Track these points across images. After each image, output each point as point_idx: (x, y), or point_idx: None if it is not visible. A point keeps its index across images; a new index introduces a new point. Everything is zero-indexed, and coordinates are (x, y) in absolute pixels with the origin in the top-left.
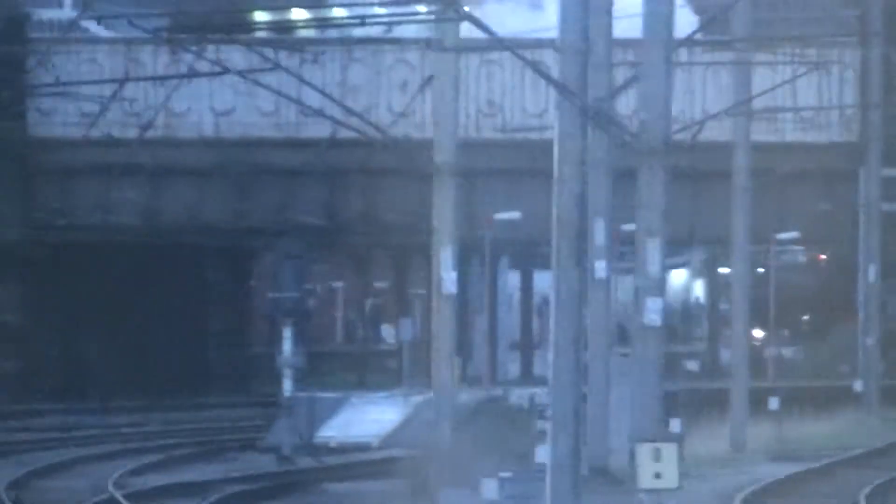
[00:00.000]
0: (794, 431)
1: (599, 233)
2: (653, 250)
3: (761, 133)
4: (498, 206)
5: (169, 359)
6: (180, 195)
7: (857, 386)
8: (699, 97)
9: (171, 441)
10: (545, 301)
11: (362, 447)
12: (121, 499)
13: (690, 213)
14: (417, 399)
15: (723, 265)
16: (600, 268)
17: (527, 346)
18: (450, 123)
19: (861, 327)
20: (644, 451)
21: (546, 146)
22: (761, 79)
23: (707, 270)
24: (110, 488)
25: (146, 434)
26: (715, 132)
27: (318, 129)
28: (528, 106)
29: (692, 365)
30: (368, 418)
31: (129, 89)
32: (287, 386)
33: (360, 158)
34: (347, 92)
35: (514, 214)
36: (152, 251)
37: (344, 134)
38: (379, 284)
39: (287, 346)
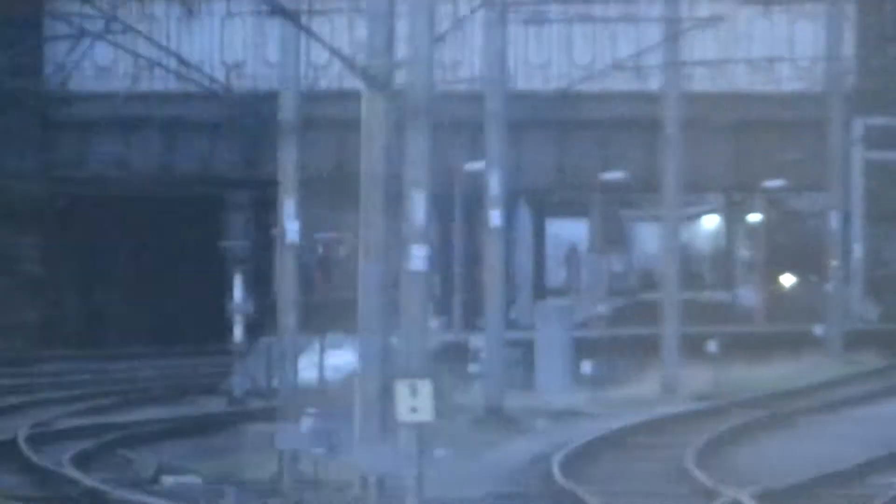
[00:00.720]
0: (748, 374)
1: (494, 184)
2: (418, 202)
3: (758, 83)
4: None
5: (186, 308)
6: (194, 148)
7: (818, 330)
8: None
9: (147, 385)
10: (573, 249)
11: (321, 389)
12: (20, 440)
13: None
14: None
15: (751, 211)
16: (495, 216)
17: (539, 292)
18: (292, 80)
19: (836, 273)
20: (402, 386)
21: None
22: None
23: (734, 217)
24: (19, 430)
25: (130, 379)
26: (706, 83)
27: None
28: None
29: (602, 309)
30: (328, 362)
31: (142, 44)
32: (238, 332)
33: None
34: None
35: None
36: (168, 202)
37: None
38: None
39: (238, 293)
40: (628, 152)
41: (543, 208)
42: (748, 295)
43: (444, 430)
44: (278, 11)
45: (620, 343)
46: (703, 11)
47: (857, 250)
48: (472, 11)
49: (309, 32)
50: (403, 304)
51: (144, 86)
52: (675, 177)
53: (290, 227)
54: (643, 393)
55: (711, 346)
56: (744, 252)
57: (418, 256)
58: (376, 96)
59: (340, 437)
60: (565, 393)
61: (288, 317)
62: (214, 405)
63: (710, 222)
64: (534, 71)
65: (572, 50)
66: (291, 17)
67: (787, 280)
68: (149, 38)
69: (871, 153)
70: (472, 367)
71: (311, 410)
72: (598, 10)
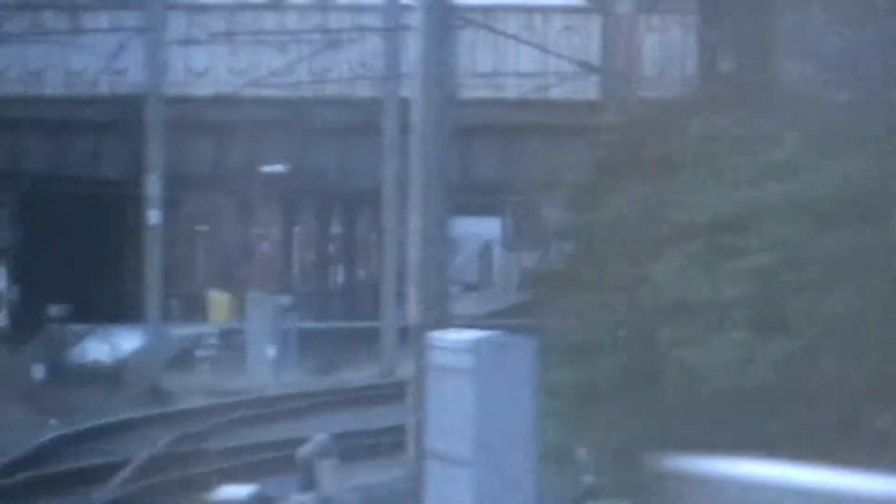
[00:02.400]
0: None
1: (154, 187)
2: None
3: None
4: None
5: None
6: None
7: None
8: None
9: None
10: (486, 246)
11: (100, 368)
12: None
13: (499, 167)
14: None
15: None
16: (153, 216)
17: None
18: None
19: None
20: None
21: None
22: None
23: None
24: None
25: None
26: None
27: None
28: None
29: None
30: (106, 347)
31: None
32: (2, 318)
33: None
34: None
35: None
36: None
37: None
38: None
39: (2, 282)
40: (489, 156)
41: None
42: None
43: (102, 404)
44: None
45: (346, 334)
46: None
47: None
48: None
49: None
50: None
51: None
52: (394, 181)
53: None
54: (360, 377)
55: None
56: None
57: None
58: None
59: None
60: (270, 376)
61: None
62: None
63: None
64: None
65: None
66: None
67: None
68: None
69: None
70: (198, 352)
71: None
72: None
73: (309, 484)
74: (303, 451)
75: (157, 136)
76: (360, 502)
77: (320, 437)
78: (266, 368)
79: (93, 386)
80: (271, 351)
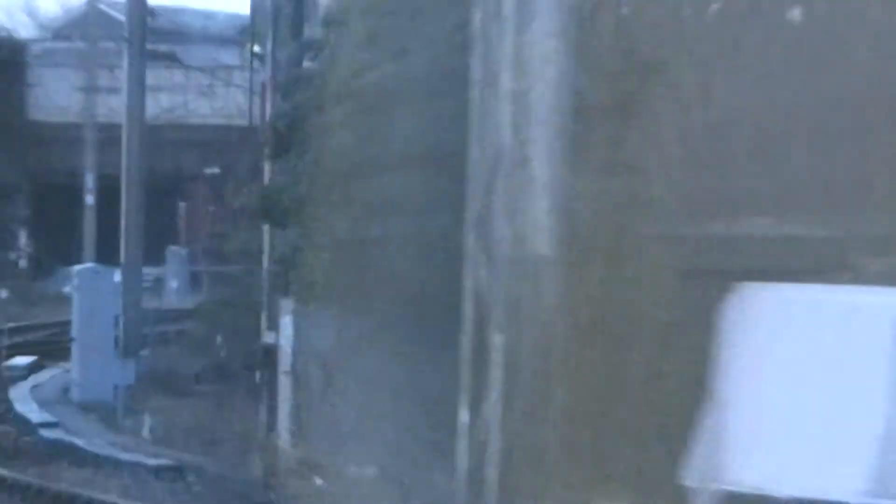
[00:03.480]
0: None
1: (90, 180)
2: None
3: None
4: None
5: None
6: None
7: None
8: None
9: None
10: None
11: (58, 294)
12: None
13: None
14: None
15: None
16: (90, 199)
17: None
18: None
19: None
20: None
21: None
22: None
23: None
24: None
25: None
26: None
27: None
28: None
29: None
30: (63, 280)
31: None
32: (22, 262)
33: None
34: None
35: None
36: None
37: None
38: None
39: (23, 240)
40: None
41: None
42: None
43: (40, 314)
44: None
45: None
46: None
47: None
48: None
49: None
50: None
51: None
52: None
53: None
54: None
55: None
56: None
57: None
58: None
59: None
60: (173, 300)
61: None
62: None
63: None
64: None
65: None
66: None
67: None
68: None
69: None
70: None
71: None
72: None
73: None
74: None
75: (92, 150)
76: None
77: None
78: (171, 295)
79: (44, 306)
80: (174, 283)
